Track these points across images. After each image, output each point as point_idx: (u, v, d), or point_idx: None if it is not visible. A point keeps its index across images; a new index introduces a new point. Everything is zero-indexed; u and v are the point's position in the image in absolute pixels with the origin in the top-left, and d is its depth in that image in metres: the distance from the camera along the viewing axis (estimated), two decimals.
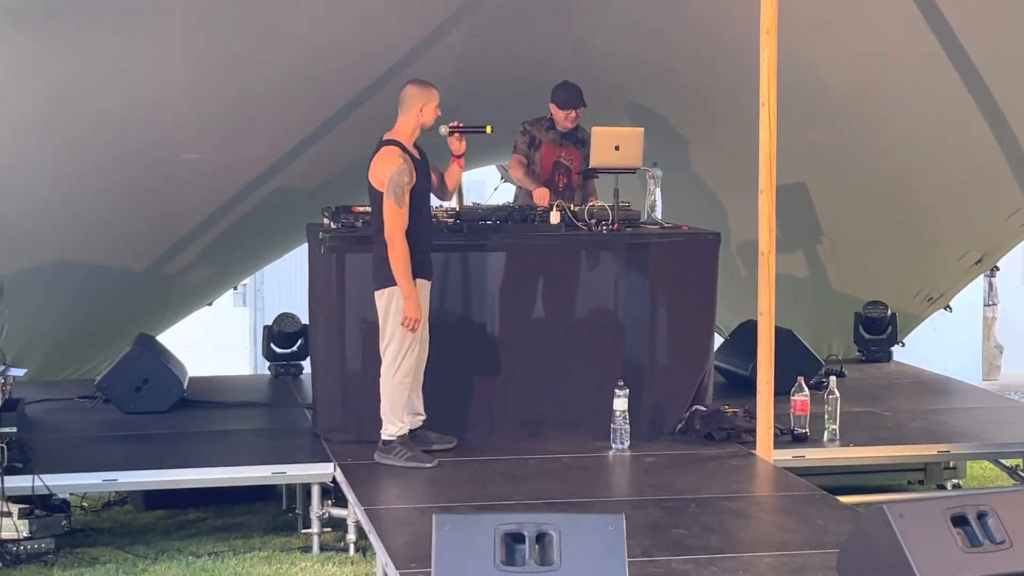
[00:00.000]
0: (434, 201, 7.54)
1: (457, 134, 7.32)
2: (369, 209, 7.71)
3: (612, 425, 7.50)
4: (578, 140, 8.49)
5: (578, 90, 8.37)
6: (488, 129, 7.38)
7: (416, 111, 7.14)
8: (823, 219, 10.05)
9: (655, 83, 9.46)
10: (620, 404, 7.47)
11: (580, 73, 8.55)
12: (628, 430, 7.49)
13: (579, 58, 8.90)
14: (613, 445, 7.50)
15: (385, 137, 7.19)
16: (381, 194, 7.06)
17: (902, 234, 10.02)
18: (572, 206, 8.02)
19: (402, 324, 7.06)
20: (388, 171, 7.02)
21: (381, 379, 7.22)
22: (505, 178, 11.87)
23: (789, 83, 7.49)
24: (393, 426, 7.21)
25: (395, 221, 7.00)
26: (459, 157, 7.38)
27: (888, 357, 10.36)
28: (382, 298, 7.17)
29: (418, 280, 7.14)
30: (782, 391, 7.55)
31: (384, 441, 7.23)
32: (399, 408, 7.21)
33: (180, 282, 9.99)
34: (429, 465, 7.17)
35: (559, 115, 8.41)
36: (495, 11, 8.51)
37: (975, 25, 8.38)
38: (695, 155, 10.03)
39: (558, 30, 8.84)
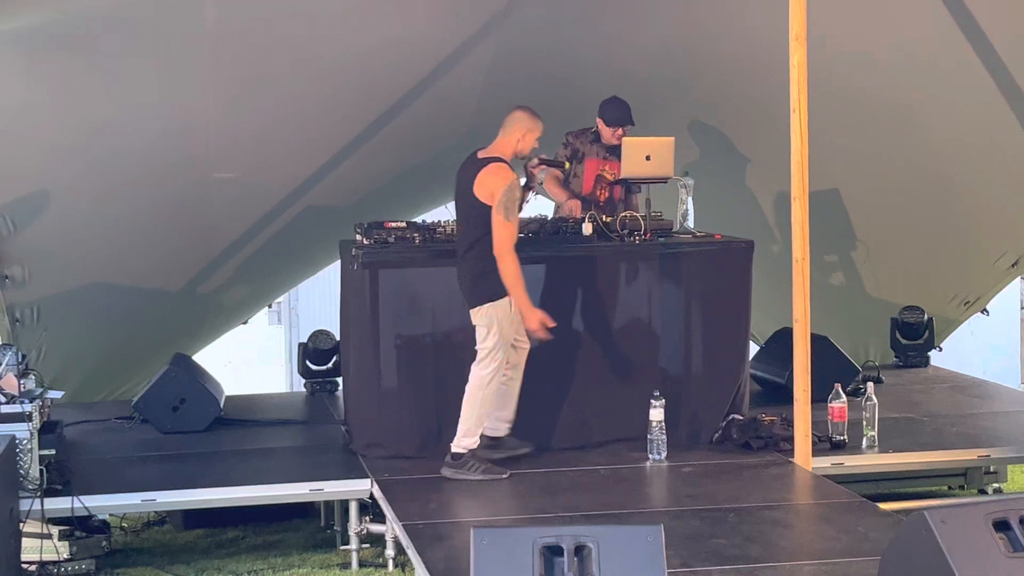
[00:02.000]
0: None
1: (542, 166, 7.49)
2: (403, 224, 7.74)
3: (648, 436, 7.47)
4: (622, 155, 8.39)
5: (627, 107, 8.31)
6: (567, 165, 7.93)
7: (518, 136, 7.16)
8: (857, 225, 10.00)
9: (713, 100, 9.45)
10: (656, 415, 7.45)
11: (618, 85, 8.52)
12: (665, 440, 7.47)
13: (614, 70, 8.89)
14: (650, 456, 7.48)
15: (484, 155, 7.18)
16: (482, 209, 7.04)
17: (937, 238, 9.97)
18: (605, 218, 8.00)
19: (534, 334, 7.07)
20: (500, 186, 7.00)
21: (468, 393, 7.17)
22: (537, 191, 11.84)
23: (821, 89, 7.46)
24: (469, 439, 7.18)
25: (507, 236, 7.00)
26: (531, 187, 7.52)
27: (925, 362, 10.31)
28: (479, 314, 7.14)
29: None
30: (819, 398, 7.51)
31: (455, 455, 7.19)
32: (482, 423, 7.20)
33: (215, 301, 10.03)
34: (504, 476, 7.16)
35: (606, 131, 8.34)
36: (527, 23, 8.51)
37: (1006, 27, 8.34)
38: (751, 173, 10.00)
39: (591, 45, 8.84)
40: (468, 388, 7.19)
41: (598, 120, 8.42)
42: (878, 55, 8.69)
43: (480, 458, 7.20)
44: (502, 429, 7.44)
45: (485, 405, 7.17)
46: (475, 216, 7.12)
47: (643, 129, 8.36)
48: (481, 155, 7.18)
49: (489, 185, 7.05)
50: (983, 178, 9.48)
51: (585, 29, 8.70)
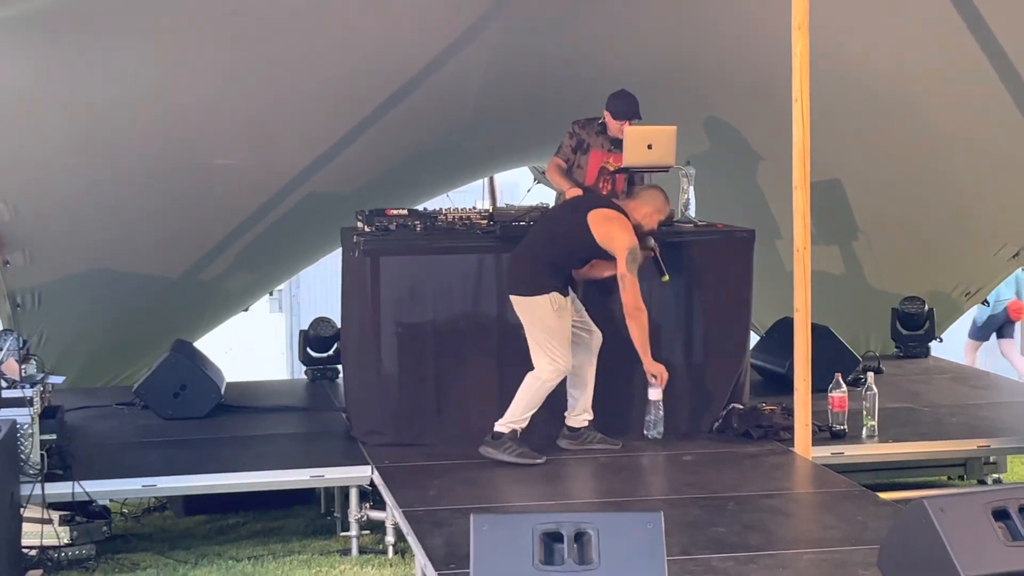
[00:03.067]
0: (466, 202, 7.56)
1: (649, 252, 7.48)
2: (404, 212, 7.78)
3: (646, 416, 7.47)
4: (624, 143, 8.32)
5: (635, 101, 8.23)
6: (665, 278, 7.56)
7: (648, 212, 7.35)
8: (858, 215, 10.00)
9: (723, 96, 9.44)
10: (655, 394, 7.44)
11: (622, 73, 8.49)
12: (662, 418, 7.47)
13: (618, 58, 8.87)
14: (646, 432, 7.48)
15: (619, 204, 7.41)
16: (584, 237, 7.19)
17: (938, 228, 9.96)
18: None
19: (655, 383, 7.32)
20: (624, 241, 7.16)
21: (525, 380, 7.23)
22: (539, 179, 11.83)
23: (823, 79, 7.46)
24: (514, 422, 7.23)
25: (638, 293, 7.16)
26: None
27: (926, 352, 10.31)
28: (521, 304, 7.25)
29: (560, 295, 7.22)
30: (819, 388, 7.52)
31: (495, 434, 7.23)
32: (531, 410, 7.23)
33: (216, 288, 10.03)
34: (539, 461, 7.19)
35: (613, 124, 8.23)
36: (530, 9, 8.49)
37: (1009, 17, 8.32)
38: (763, 170, 9.98)
39: (595, 32, 8.82)
40: (529, 375, 7.25)
41: (605, 112, 8.34)
42: (881, 46, 8.68)
43: (518, 441, 7.22)
44: (580, 420, 7.48)
45: (539, 394, 7.21)
46: (571, 243, 7.26)
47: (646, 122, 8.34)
48: (621, 205, 7.39)
49: (611, 235, 7.19)
50: (985, 169, 9.47)
51: (588, 16, 8.68)
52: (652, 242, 7.47)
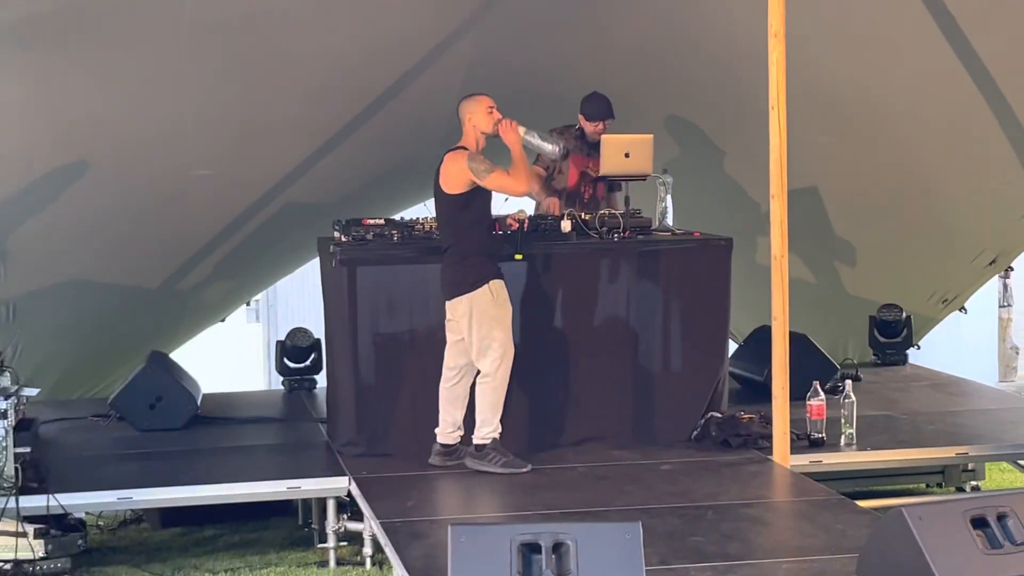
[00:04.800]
0: None
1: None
2: (381, 222, 7.76)
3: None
4: (601, 152, 8.33)
5: (607, 101, 8.29)
6: (518, 256, 7.58)
7: (470, 122, 7.17)
8: (835, 223, 10.01)
9: (689, 95, 9.44)
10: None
11: (599, 82, 8.51)
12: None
13: (593, 67, 8.88)
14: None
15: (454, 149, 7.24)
16: (451, 202, 7.09)
17: (915, 236, 9.98)
18: (584, 215, 7.98)
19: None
20: (460, 165, 7.04)
21: (480, 384, 7.19)
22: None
23: (799, 86, 7.46)
24: (489, 428, 7.19)
25: (508, 180, 7.03)
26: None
27: (904, 360, 10.32)
28: (460, 306, 7.14)
29: (497, 281, 7.15)
30: (798, 396, 7.52)
31: (478, 446, 7.20)
32: (499, 411, 7.19)
33: (193, 299, 9.99)
34: (524, 470, 7.17)
35: (588, 126, 8.32)
36: (507, 20, 8.49)
37: (986, 26, 8.35)
38: (730, 165, 10.00)
39: (571, 42, 8.83)
40: (477, 381, 7.20)
41: (580, 117, 8.40)
42: (857, 54, 8.70)
43: (501, 450, 7.20)
44: (456, 436, 7.40)
45: (498, 393, 7.17)
46: (446, 212, 7.17)
47: (636, 125, 8.36)
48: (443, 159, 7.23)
49: (449, 172, 7.10)
50: (961, 177, 9.50)
51: (565, 27, 8.69)
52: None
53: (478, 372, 7.21)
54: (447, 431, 7.36)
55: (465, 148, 7.16)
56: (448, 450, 7.36)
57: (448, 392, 7.34)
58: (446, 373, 7.33)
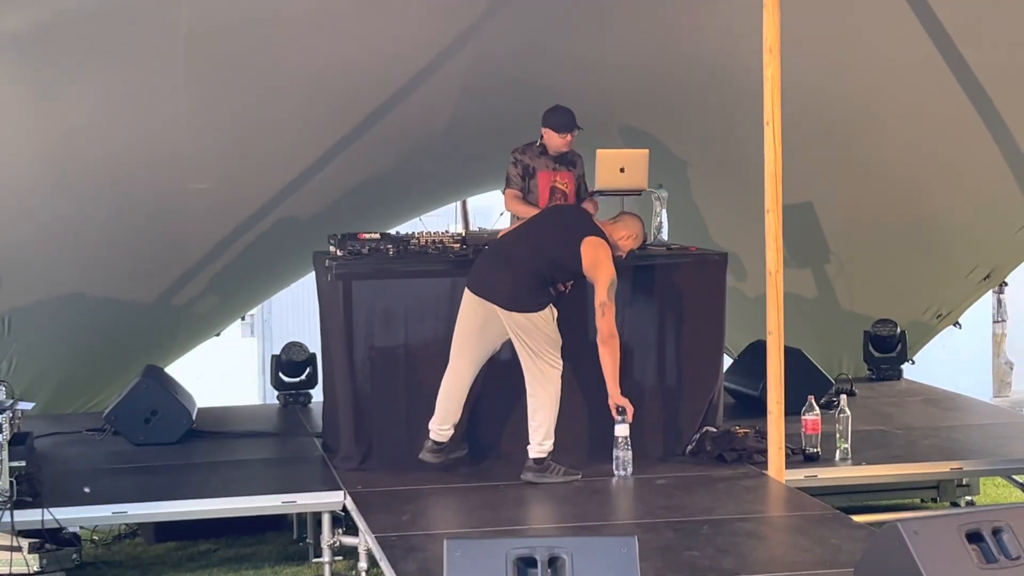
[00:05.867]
0: (439, 226, 7.54)
1: None
2: (376, 236, 7.75)
3: (614, 452, 7.44)
4: (569, 162, 8.22)
5: (571, 113, 8.24)
6: None
7: (625, 235, 7.42)
8: (830, 238, 10.03)
9: (650, 105, 9.44)
10: (621, 430, 7.42)
11: (573, 96, 8.46)
12: (631, 457, 7.41)
13: (578, 81, 8.88)
14: (616, 472, 7.44)
15: (599, 225, 7.44)
16: (572, 259, 7.26)
17: (910, 251, 10.00)
18: None
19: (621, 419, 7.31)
20: (608, 270, 7.22)
21: (535, 398, 7.26)
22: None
23: (792, 102, 7.48)
24: (550, 441, 7.27)
25: (613, 321, 7.24)
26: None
27: (898, 375, 10.33)
28: (524, 319, 7.24)
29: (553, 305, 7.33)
30: (792, 411, 7.51)
31: (536, 460, 7.25)
32: (554, 423, 7.27)
33: (188, 313, 9.98)
34: (579, 477, 7.29)
35: (556, 139, 8.14)
36: (500, 34, 8.50)
37: (978, 41, 8.38)
38: (694, 175, 10.01)
39: (558, 55, 8.84)
40: (536, 394, 7.27)
41: (544, 130, 8.18)
42: (851, 69, 8.72)
43: (558, 461, 7.29)
44: (447, 435, 7.45)
45: (555, 403, 7.27)
46: (560, 262, 7.32)
47: (611, 146, 8.37)
48: (601, 226, 7.42)
49: (596, 258, 7.25)
50: (956, 192, 9.51)
51: (559, 40, 8.70)
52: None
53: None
54: (442, 428, 7.39)
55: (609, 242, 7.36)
56: (439, 447, 7.40)
57: (455, 385, 7.37)
58: (458, 364, 7.37)
